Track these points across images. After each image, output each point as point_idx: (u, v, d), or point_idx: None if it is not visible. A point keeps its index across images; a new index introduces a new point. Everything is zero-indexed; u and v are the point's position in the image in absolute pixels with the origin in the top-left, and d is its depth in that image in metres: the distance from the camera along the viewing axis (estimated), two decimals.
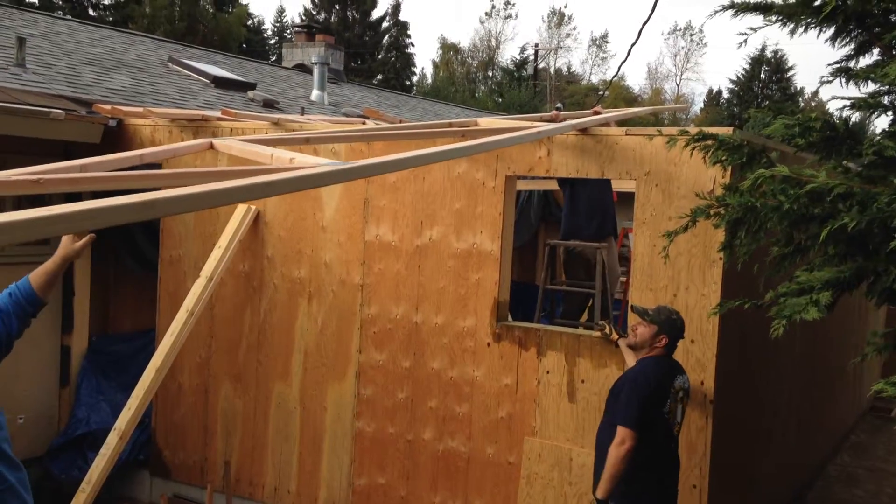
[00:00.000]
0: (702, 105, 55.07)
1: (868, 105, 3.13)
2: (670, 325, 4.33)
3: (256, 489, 6.15)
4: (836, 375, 8.00)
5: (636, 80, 69.32)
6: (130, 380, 5.79)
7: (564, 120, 5.82)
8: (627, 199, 6.30)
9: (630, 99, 52.80)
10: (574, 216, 6.66)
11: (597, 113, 6.19)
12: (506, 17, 55.77)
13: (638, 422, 4.10)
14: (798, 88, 48.51)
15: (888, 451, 8.64)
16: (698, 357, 4.75)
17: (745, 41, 4.09)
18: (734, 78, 50.29)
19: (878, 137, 2.97)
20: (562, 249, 6.86)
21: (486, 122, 6.21)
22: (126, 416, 5.38)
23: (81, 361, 6.64)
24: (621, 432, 4.10)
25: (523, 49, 51.32)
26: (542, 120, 6.09)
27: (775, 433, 6.19)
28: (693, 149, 3.99)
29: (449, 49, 54.48)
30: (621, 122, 6.54)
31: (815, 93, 47.15)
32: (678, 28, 62.45)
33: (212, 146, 3.97)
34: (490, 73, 53.55)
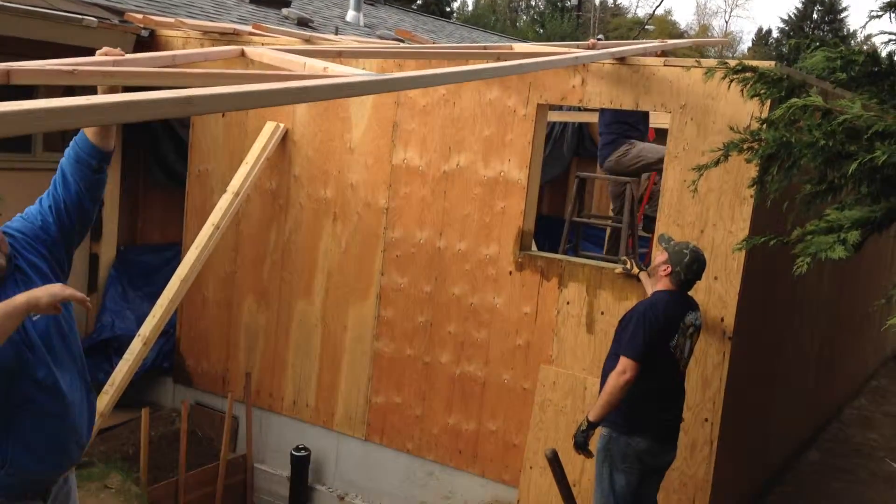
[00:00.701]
0: (750, 44, 53.50)
1: None
2: (678, 257, 4.27)
3: (276, 401, 6.30)
4: (861, 320, 7.92)
5: (683, 17, 67.26)
6: (156, 290, 5.89)
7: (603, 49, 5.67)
8: (663, 136, 6.17)
9: (676, 34, 51.34)
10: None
11: (594, 45, 5.99)
12: None
13: (641, 354, 4.10)
14: (851, 31, 46.82)
15: None
16: (720, 294, 4.71)
17: None
18: (785, 17, 48.73)
19: None
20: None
21: (522, 47, 6.09)
22: (150, 323, 5.49)
23: (109, 270, 6.76)
24: (623, 362, 4.11)
25: None
26: (579, 48, 5.94)
27: (794, 373, 6.17)
28: (731, 81, 3.87)
29: None
30: (662, 55, 6.35)
31: (868, 37, 45.47)
32: None
33: (243, 53, 3.94)
34: (532, 2, 52.26)
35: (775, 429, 6.02)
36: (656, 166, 6.21)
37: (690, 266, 4.27)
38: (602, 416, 4.16)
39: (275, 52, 3.73)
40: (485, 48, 5.52)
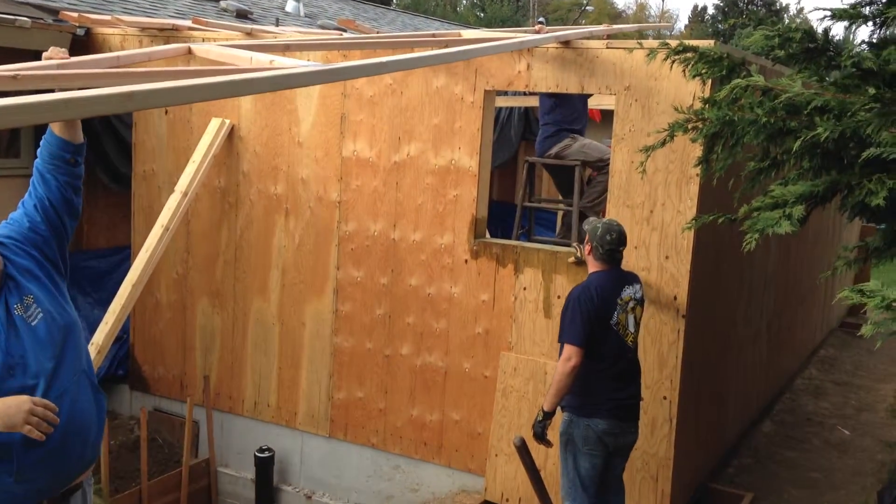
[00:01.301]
0: (686, 22, 54.25)
1: (848, 15, 3.08)
2: (592, 232, 4.33)
3: (236, 403, 6.23)
4: (808, 292, 8.14)
5: None
6: (107, 296, 5.77)
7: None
8: (610, 116, 6.22)
9: (614, 15, 51.86)
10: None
11: (540, 31, 6.02)
12: None
13: (582, 337, 4.14)
14: (784, 4, 47.77)
15: (855, 365, 8.88)
16: (672, 273, 4.80)
17: None
18: None
19: (857, 48, 2.92)
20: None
21: (470, 33, 6.09)
22: (103, 330, 5.38)
23: None
24: (567, 349, 4.15)
25: None
26: (525, 34, 5.96)
27: (746, 347, 6.32)
28: (673, 62, 3.93)
29: None
30: (607, 38, 6.41)
31: (801, 10, 46.48)
32: None
33: (190, 51, 3.89)
34: None
35: (731, 403, 6.17)
36: (596, 164, 6.27)
37: (604, 236, 4.29)
38: (555, 405, 4.21)
39: (221, 48, 3.72)
40: (433, 35, 5.51)
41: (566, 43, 4.99)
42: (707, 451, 5.76)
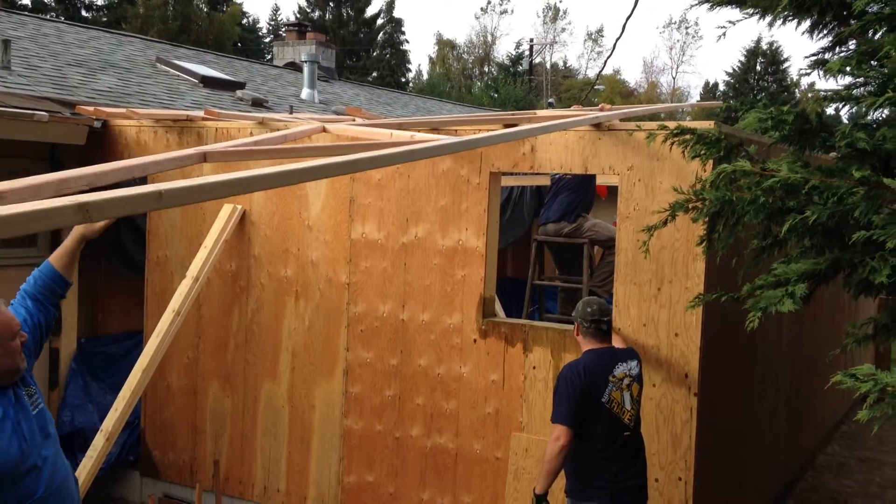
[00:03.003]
0: (698, 98, 55.04)
1: (842, 98, 3.13)
2: (576, 312, 4.35)
3: (246, 488, 6.15)
4: (826, 366, 8.00)
5: (632, 74, 69.11)
6: (120, 381, 5.78)
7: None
8: (615, 193, 6.30)
9: (626, 93, 52.79)
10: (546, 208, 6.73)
11: (602, 110, 6.19)
12: (501, 13, 56.07)
13: (569, 417, 4.08)
14: (794, 79, 48.49)
15: (879, 440, 8.66)
16: (682, 350, 4.76)
17: (724, 34, 4.10)
18: (730, 70, 50.28)
19: (849, 129, 2.96)
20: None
21: (544, 113, 6.30)
22: (113, 417, 5.38)
23: (70, 363, 6.63)
24: (556, 429, 4.10)
25: (519, 44, 51.45)
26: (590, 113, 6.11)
27: (763, 424, 6.20)
28: (672, 143, 3.99)
29: (445, 45, 54.46)
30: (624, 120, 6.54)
31: (812, 85, 47.15)
32: (673, 21, 62.48)
33: (324, 129, 4.95)
34: (486, 69, 53.50)
35: (750, 482, 6.01)
36: (605, 244, 6.37)
37: (585, 310, 4.29)
38: (546, 486, 4.12)
39: (356, 126, 4.45)
40: (513, 114, 5.83)
41: (597, 125, 5.03)
42: None
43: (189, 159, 2.86)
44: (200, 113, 6.55)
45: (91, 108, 6.38)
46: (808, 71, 3.90)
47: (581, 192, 6.61)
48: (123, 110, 6.54)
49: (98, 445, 5.25)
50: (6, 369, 2.83)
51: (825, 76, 3.44)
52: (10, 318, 2.86)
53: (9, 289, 5.20)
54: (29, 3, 30.06)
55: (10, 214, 1.68)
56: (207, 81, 10.45)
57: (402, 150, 2.94)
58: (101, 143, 6.45)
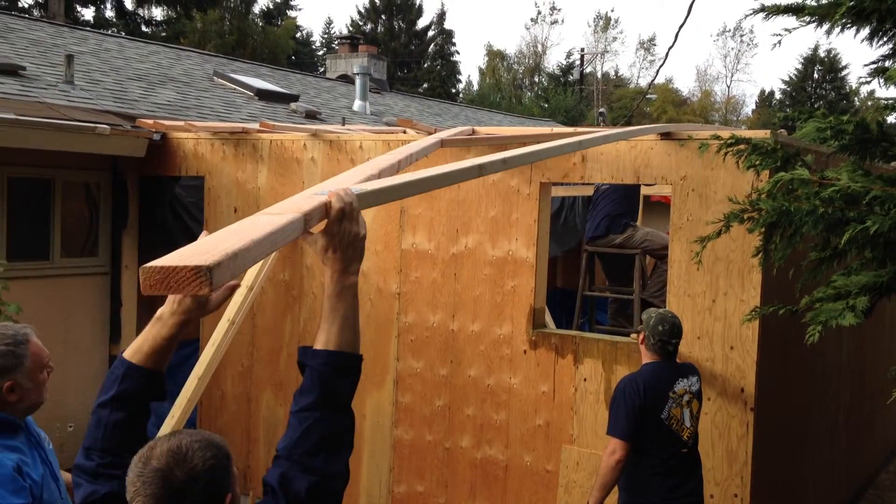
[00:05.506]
0: (753, 106, 54.15)
1: None
2: (646, 322, 4.22)
3: None
4: (887, 381, 7.77)
5: (685, 83, 68.55)
6: (177, 389, 5.89)
7: None
8: (655, 205, 6.26)
9: (678, 102, 52.15)
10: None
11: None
12: (552, 23, 55.61)
13: (626, 431, 4.01)
14: (853, 87, 47.38)
15: None
16: (738, 364, 4.66)
17: (780, 42, 4.02)
18: (786, 79, 49.36)
19: None
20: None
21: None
22: (170, 423, 5.48)
23: None
24: (612, 442, 4.03)
25: (569, 54, 51.24)
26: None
27: (822, 440, 6.03)
28: (726, 153, 3.93)
29: (495, 56, 54.54)
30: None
31: (872, 93, 45.99)
32: (727, 29, 61.59)
33: (473, 131, 5.82)
34: (536, 79, 53.42)
35: (809, 499, 5.86)
36: (659, 252, 6.28)
37: (656, 327, 4.16)
38: (600, 500, 4.06)
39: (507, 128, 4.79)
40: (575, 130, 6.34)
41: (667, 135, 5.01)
42: None
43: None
44: (256, 125, 6.68)
45: (151, 122, 6.56)
46: (868, 79, 3.82)
47: (623, 203, 6.53)
48: (182, 123, 6.70)
49: None
50: (33, 403, 2.72)
51: (885, 84, 3.36)
52: (40, 348, 2.75)
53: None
54: (91, 20, 31.02)
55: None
56: (263, 94, 10.64)
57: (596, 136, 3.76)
58: (160, 154, 6.61)
